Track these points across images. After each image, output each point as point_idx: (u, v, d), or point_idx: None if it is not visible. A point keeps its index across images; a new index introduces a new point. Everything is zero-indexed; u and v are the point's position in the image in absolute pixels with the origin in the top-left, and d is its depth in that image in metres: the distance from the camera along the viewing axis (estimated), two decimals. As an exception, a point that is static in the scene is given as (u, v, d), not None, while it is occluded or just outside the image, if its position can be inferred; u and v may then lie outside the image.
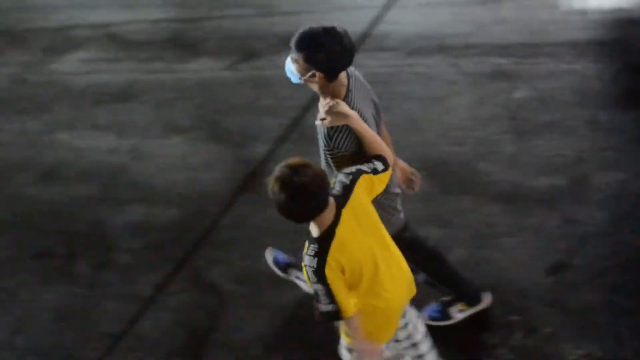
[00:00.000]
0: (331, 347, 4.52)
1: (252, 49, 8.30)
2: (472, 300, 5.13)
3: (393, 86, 7.24)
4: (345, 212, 3.79)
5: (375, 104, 4.45)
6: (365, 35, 8.04)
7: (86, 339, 5.52)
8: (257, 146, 6.99)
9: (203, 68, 8.05)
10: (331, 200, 3.73)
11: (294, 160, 3.64)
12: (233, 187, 6.65)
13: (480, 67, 7.39)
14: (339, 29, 4.05)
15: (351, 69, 4.29)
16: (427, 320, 4.86)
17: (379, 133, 4.30)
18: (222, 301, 5.69)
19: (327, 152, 4.13)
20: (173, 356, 5.39)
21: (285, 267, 5.39)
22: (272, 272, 5.31)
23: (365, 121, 4.12)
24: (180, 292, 5.81)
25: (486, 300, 5.14)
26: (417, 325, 4.31)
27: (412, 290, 4.20)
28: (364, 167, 3.96)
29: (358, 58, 4.11)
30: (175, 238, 6.25)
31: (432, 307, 5.19)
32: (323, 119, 4.02)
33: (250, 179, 6.68)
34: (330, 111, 3.97)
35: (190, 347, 5.40)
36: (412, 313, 4.29)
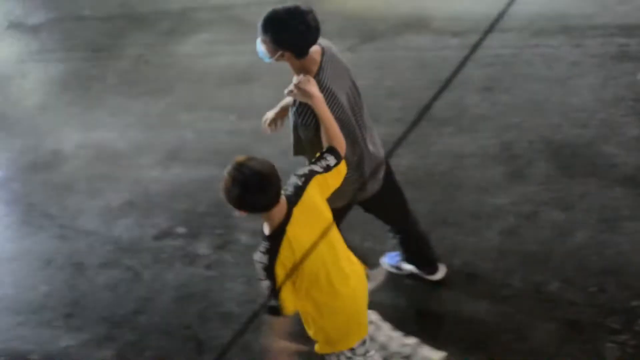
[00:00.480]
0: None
1: (373, 30, 8.25)
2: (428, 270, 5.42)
3: (516, 67, 7.09)
4: (296, 210, 3.90)
5: (353, 83, 4.55)
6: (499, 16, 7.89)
7: (207, 319, 5.60)
8: (378, 128, 6.96)
9: (326, 48, 8.06)
10: (283, 199, 3.84)
11: (240, 157, 3.75)
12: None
13: (604, 47, 7.16)
14: (302, 8, 4.19)
15: (327, 46, 4.44)
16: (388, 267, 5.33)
17: (354, 110, 4.48)
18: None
19: (296, 128, 4.29)
20: (294, 337, 5.41)
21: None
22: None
23: (335, 99, 4.29)
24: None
25: (440, 272, 5.41)
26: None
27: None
28: (316, 168, 4.05)
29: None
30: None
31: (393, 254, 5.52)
32: (290, 91, 4.11)
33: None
34: (298, 86, 4.08)
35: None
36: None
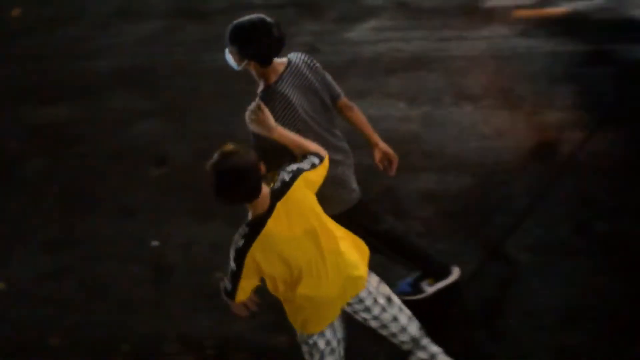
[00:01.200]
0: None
1: (547, 15, 8.13)
2: (440, 274, 5.44)
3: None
4: (279, 205, 4.10)
5: (321, 99, 4.89)
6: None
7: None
8: (550, 114, 6.86)
9: (494, 35, 7.96)
10: (266, 191, 4.05)
11: (228, 147, 4.00)
12: (525, 156, 6.56)
13: None
14: (267, 20, 4.61)
15: (296, 61, 4.83)
16: (400, 296, 4.85)
17: (317, 122, 4.82)
18: (514, 270, 5.65)
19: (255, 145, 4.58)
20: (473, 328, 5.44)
21: (415, 287, 5.54)
22: (568, 241, 5.23)
23: (292, 107, 4.66)
24: (472, 261, 5.81)
25: (455, 273, 5.44)
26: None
27: (356, 286, 4.43)
28: (303, 166, 4.27)
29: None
30: (467, 206, 6.26)
31: (405, 281, 5.53)
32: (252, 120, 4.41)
33: (542, 148, 6.57)
34: (254, 119, 4.38)
35: (488, 317, 5.44)
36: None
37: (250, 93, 7.73)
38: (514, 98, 7.17)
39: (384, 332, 4.63)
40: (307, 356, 4.65)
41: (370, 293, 4.49)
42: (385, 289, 4.56)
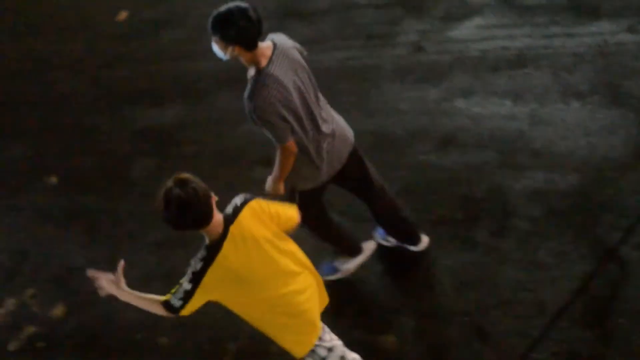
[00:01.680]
0: None
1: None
2: (354, 251, 6.06)
3: None
4: (232, 229, 4.30)
5: (307, 73, 5.21)
6: None
7: (486, 307, 5.65)
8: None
9: (602, 31, 7.82)
10: (219, 219, 4.25)
11: (180, 175, 4.13)
12: (634, 153, 6.45)
13: None
14: (242, 5, 4.81)
15: (280, 41, 5.08)
16: (324, 277, 5.28)
17: (305, 99, 5.12)
18: (625, 270, 5.57)
19: None
20: (573, 324, 5.39)
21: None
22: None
23: (284, 87, 4.93)
24: (581, 260, 5.75)
25: (369, 248, 6.11)
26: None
27: (323, 300, 4.82)
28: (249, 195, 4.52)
29: None
30: (576, 205, 6.19)
31: (325, 265, 6.07)
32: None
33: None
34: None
35: (598, 317, 5.40)
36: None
37: (352, 93, 7.85)
38: (622, 94, 7.04)
39: None
40: None
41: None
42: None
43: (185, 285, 4.36)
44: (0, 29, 10.47)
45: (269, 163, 7.05)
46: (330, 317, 5.53)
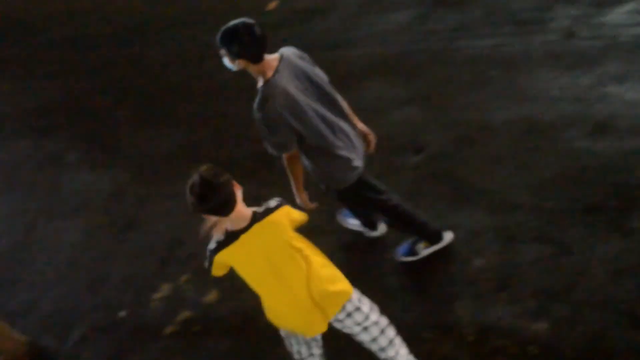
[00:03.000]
0: None
1: None
2: (434, 239, 6.34)
3: None
4: (257, 226, 4.66)
5: (317, 83, 5.56)
6: None
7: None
8: None
9: None
10: (248, 212, 4.66)
11: (204, 167, 4.55)
12: None
13: None
14: (247, 22, 5.24)
15: (287, 54, 5.48)
16: (399, 258, 6.43)
17: (320, 104, 5.53)
18: None
19: None
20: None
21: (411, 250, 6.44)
22: None
23: (290, 96, 5.31)
24: None
25: (447, 237, 6.36)
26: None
27: (337, 302, 4.89)
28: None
29: None
30: None
31: (402, 246, 6.46)
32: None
33: None
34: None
35: None
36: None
37: (502, 79, 7.86)
38: None
39: (373, 347, 5.12)
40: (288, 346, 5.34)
41: (358, 308, 4.96)
42: (374, 311, 5.06)
43: (206, 262, 4.89)
44: (161, 19, 10.80)
45: (419, 150, 7.18)
46: (483, 301, 5.62)
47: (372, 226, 6.74)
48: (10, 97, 10.60)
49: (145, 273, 7.27)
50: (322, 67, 8.02)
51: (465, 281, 6.10)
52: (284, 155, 5.58)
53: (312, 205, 5.88)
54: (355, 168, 5.76)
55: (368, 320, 4.99)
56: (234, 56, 5.31)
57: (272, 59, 5.41)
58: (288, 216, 4.83)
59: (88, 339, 6.89)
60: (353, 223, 6.83)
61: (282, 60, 5.44)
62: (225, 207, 4.56)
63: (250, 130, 8.11)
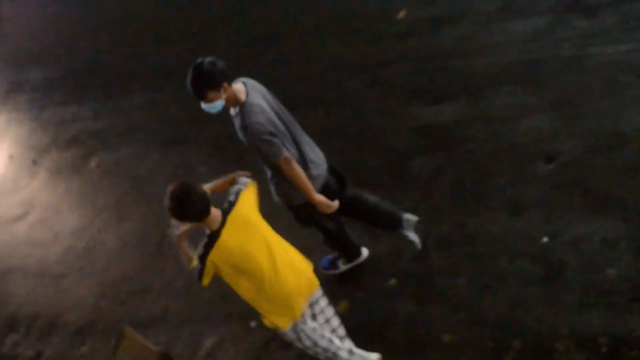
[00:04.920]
0: None
1: None
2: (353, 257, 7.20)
3: None
4: (229, 219, 5.50)
5: (278, 103, 6.24)
6: None
7: None
8: None
9: None
10: (218, 212, 5.48)
11: (181, 181, 5.37)
12: None
13: None
14: (198, 61, 5.79)
15: (248, 81, 6.12)
16: (321, 270, 7.16)
17: (285, 121, 6.13)
18: None
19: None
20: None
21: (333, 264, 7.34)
22: None
23: (267, 112, 5.94)
24: None
25: (364, 253, 7.21)
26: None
27: (313, 284, 5.93)
28: (241, 186, 5.79)
29: None
30: None
31: (325, 258, 7.33)
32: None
33: None
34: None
35: None
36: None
37: (636, 86, 7.71)
38: None
39: (326, 328, 6.12)
40: (296, 343, 6.06)
41: (322, 295, 6.09)
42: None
43: (197, 264, 5.50)
44: (289, 31, 10.97)
45: (551, 159, 7.14)
46: (617, 312, 5.55)
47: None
48: (141, 110, 10.92)
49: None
50: (451, 75, 8.10)
51: (598, 291, 6.07)
52: (282, 164, 6.01)
53: (335, 204, 6.30)
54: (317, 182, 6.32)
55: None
56: (219, 85, 5.80)
57: (238, 86, 6.03)
58: (248, 199, 5.71)
59: (221, 348, 7.09)
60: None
61: (246, 85, 6.07)
62: (201, 214, 5.37)
63: (378, 140, 8.26)
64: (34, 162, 10.98)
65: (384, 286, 6.99)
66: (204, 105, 5.86)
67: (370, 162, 8.38)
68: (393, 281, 6.97)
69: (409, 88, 9.03)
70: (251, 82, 6.15)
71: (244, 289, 5.69)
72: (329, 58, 10.00)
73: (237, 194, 5.68)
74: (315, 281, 5.95)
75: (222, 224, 5.46)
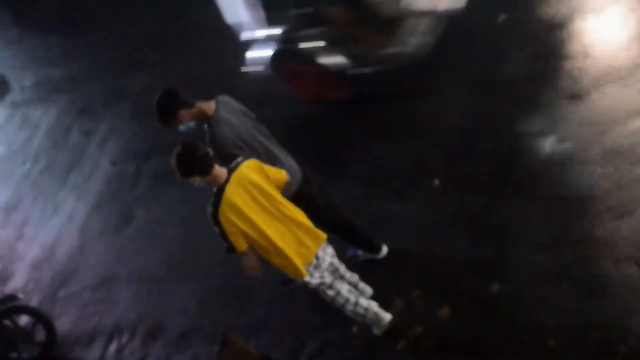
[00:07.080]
0: None
1: None
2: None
3: None
4: (233, 176, 6.16)
5: (254, 119, 6.97)
6: None
7: None
8: None
9: None
10: (221, 170, 6.15)
11: (184, 142, 6.09)
12: None
13: None
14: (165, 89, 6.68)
15: (223, 99, 6.83)
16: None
17: (258, 134, 6.84)
18: None
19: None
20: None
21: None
22: None
23: (234, 125, 6.64)
24: None
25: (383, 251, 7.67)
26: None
27: (319, 237, 6.53)
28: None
29: None
30: None
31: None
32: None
33: None
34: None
35: None
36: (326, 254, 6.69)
37: None
38: None
39: (335, 275, 6.74)
40: (323, 295, 6.67)
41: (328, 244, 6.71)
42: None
43: (215, 230, 6.12)
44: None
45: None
46: None
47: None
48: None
49: (379, 288, 7.44)
50: (554, 77, 7.97)
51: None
52: None
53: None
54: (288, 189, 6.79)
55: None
56: (187, 106, 6.61)
57: (209, 103, 6.71)
58: (255, 165, 6.28)
59: (323, 353, 7.16)
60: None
61: (218, 102, 6.73)
62: (203, 170, 6.01)
63: (477, 144, 8.21)
64: (137, 169, 11.27)
65: (487, 291, 6.96)
66: (180, 129, 6.68)
67: (468, 166, 8.34)
68: (496, 286, 6.93)
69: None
70: (225, 99, 6.88)
71: (268, 245, 6.27)
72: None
73: (247, 157, 6.38)
74: (322, 235, 6.56)
75: (227, 180, 6.13)
